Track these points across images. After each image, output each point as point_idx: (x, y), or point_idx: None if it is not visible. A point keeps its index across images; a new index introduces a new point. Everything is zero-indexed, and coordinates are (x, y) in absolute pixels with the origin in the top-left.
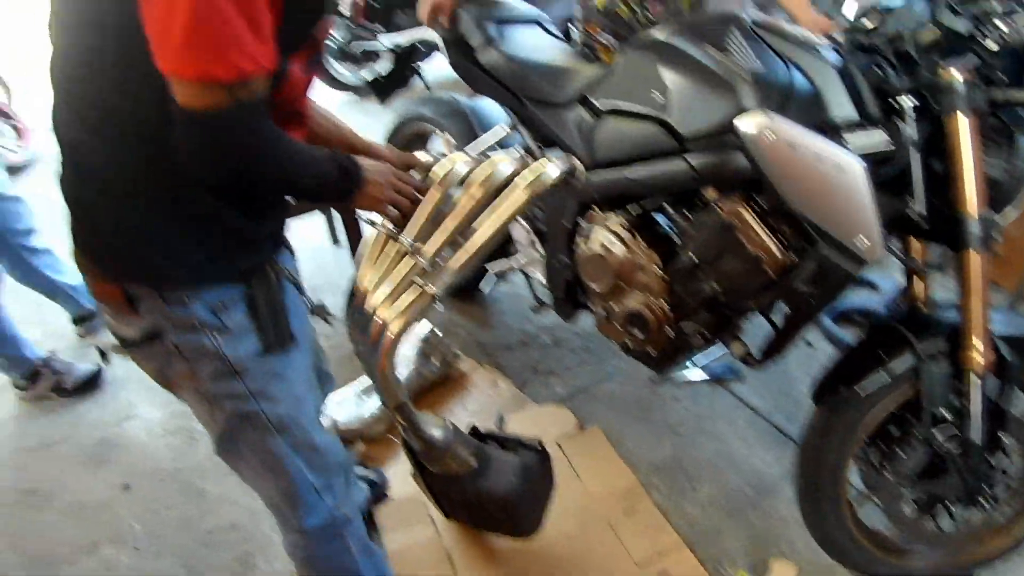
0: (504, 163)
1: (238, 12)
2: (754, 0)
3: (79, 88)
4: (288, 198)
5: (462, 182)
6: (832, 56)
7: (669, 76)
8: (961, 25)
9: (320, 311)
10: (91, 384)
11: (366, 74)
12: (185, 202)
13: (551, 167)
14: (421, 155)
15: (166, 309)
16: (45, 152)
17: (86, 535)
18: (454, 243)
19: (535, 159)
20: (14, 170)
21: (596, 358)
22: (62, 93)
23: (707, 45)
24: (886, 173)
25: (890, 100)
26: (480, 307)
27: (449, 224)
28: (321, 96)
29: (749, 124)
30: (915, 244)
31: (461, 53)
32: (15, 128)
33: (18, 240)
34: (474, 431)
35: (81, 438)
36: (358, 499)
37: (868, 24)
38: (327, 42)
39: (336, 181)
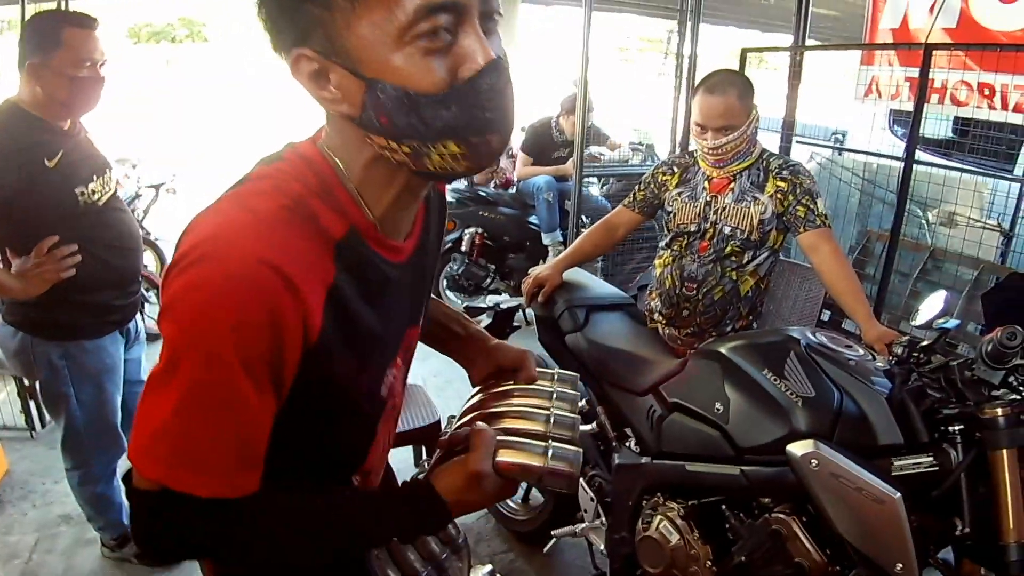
0: None
1: (232, 435)
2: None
3: None
4: None
5: None
6: (883, 383)
7: (731, 390)
8: (995, 378)
9: None
10: None
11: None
12: None
13: None
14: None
15: None
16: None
17: None
18: None
19: (610, 437)
20: None
21: None
22: None
23: (766, 369)
24: (934, 495)
25: (940, 425)
26: (546, 555)
27: None
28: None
29: (797, 450)
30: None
31: (551, 334)
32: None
33: None
34: None
35: None
36: None
37: (926, 341)
38: (447, 270)
39: (409, 525)
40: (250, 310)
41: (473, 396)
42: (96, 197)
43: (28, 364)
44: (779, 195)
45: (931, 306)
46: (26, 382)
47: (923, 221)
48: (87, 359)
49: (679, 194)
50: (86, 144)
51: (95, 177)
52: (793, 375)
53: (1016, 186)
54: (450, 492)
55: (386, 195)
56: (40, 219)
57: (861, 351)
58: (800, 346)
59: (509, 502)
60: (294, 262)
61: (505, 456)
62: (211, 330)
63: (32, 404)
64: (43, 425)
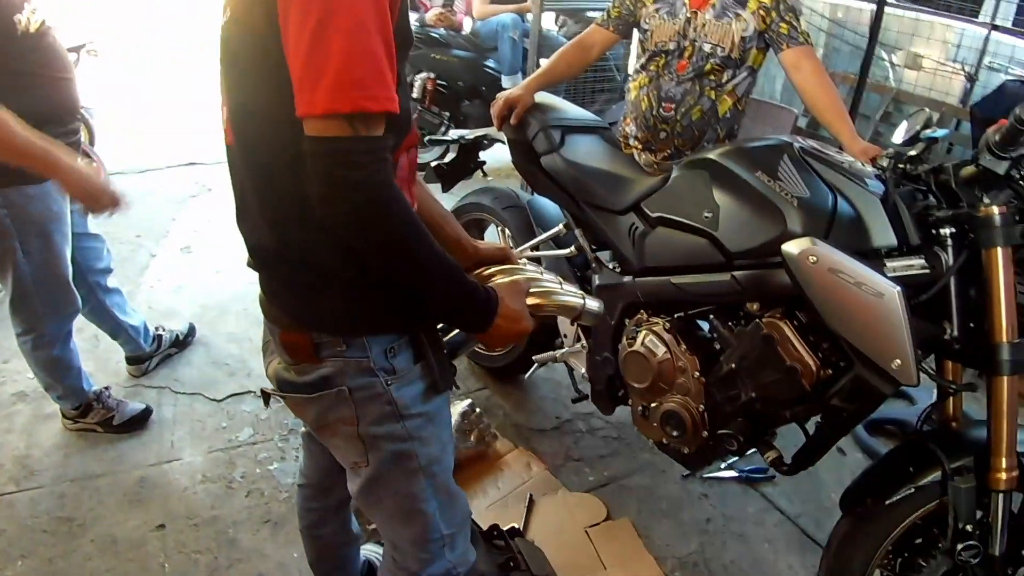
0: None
1: (384, 53)
2: (805, 129)
3: (260, 145)
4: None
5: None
6: (876, 186)
7: (720, 196)
8: (1001, 168)
9: None
10: (138, 423)
11: (430, 158)
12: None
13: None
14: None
15: (347, 354)
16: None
17: (115, 569)
18: None
19: (589, 259)
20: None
21: (629, 450)
22: (243, 146)
23: (759, 171)
24: (924, 297)
25: (931, 228)
26: (520, 390)
27: None
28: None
29: (794, 247)
30: (949, 364)
31: (525, 155)
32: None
33: (95, 278)
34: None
35: (123, 474)
36: (471, 558)
37: (913, 151)
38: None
39: (473, 307)
40: None
41: None
42: (34, 27)
43: None
44: (762, 11)
45: (913, 121)
46: None
47: (888, 63)
48: (31, 206)
49: (657, 11)
50: None
51: (26, 3)
52: (787, 176)
53: (982, 31)
54: (501, 292)
55: None
56: None
57: (851, 157)
58: (794, 149)
59: None
60: None
61: (536, 298)
62: None
63: None
64: None
